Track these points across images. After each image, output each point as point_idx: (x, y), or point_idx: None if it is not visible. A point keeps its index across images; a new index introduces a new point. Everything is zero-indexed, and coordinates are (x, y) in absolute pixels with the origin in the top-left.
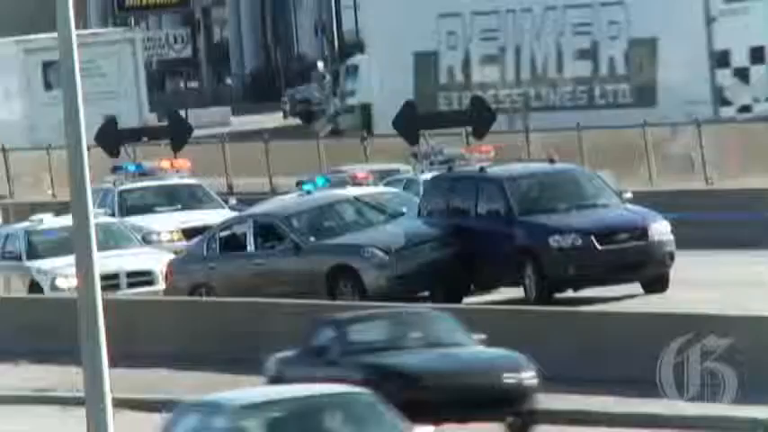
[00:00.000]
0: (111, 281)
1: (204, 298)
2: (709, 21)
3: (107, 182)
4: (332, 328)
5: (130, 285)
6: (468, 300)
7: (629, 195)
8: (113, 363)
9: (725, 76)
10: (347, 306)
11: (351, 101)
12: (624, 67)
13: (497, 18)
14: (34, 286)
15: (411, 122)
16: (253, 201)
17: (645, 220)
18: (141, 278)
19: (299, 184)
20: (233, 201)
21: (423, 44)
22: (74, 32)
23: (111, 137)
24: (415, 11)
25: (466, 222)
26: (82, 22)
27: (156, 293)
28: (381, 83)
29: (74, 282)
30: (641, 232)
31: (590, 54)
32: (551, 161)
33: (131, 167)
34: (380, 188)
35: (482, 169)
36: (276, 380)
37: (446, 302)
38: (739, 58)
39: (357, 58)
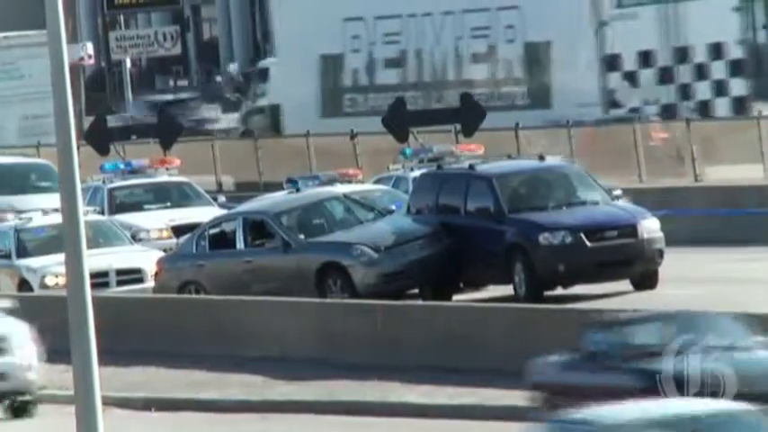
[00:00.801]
0: (100, 279)
1: (194, 295)
2: (600, 25)
3: (96, 179)
4: (609, 331)
5: (120, 283)
6: (457, 297)
7: (618, 193)
8: (103, 361)
9: (615, 80)
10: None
11: (261, 102)
12: (520, 70)
13: (399, 22)
14: (24, 284)
15: (400, 120)
16: (243, 198)
17: (634, 218)
18: (131, 276)
19: (288, 181)
20: (222, 198)
21: (329, 47)
22: (63, 31)
23: (101, 135)
24: (321, 15)
25: (455, 220)
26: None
27: (146, 291)
28: (289, 85)
29: (63, 280)
30: (631, 229)
31: (487, 57)
32: (541, 158)
33: (120, 165)
34: (370, 186)
35: (471, 166)
36: (542, 386)
37: (435, 300)
38: (629, 62)
39: (268, 61)
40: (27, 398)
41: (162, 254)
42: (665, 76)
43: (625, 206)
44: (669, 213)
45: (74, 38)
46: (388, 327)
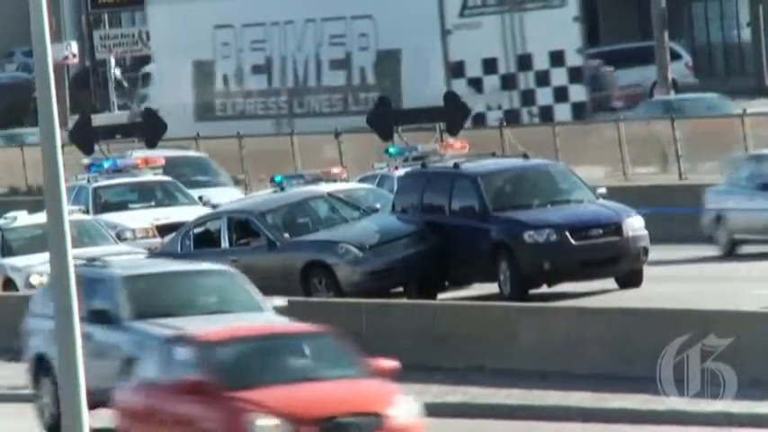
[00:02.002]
0: None
1: None
2: (445, 33)
3: (81, 179)
4: None
5: None
6: (442, 296)
7: (602, 191)
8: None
9: (460, 86)
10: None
11: (144, 106)
12: (373, 77)
13: (264, 30)
14: (8, 283)
15: (385, 118)
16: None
17: (619, 216)
18: None
19: (272, 180)
20: (207, 197)
21: (201, 53)
22: (47, 32)
23: (86, 134)
24: (193, 22)
25: (440, 218)
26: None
27: None
28: (167, 89)
29: (48, 279)
30: (615, 228)
31: (344, 64)
32: (525, 156)
33: (106, 164)
34: (354, 184)
35: (456, 165)
36: None
37: (420, 298)
38: (473, 69)
39: (150, 66)
40: None
41: (147, 253)
42: (509, 83)
43: (610, 204)
44: (653, 211)
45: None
46: (373, 325)
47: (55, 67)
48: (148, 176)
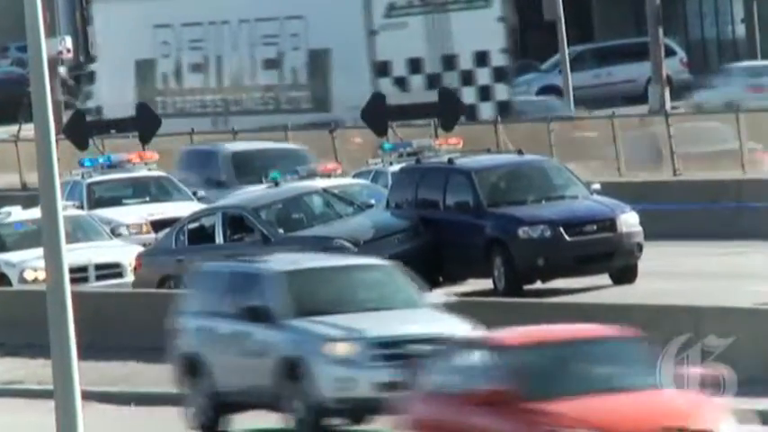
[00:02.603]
0: (79, 273)
1: (173, 290)
2: (371, 33)
3: (75, 174)
4: None
5: (99, 278)
6: (436, 291)
7: (597, 187)
8: (82, 355)
9: (386, 85)
10: None
11: (89, 104)
12: (305, 76)
13: (202, 29)
14: (2, 279)
15: (379, 114)
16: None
17: (613, 212)
18: (110, 270)
19: (266, 175)
20: (201, 192)
21: (142, 52)
22: (41, 27)
23: (80, 129)
24: (135, 22)
25: (434, 214)
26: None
27: (125, 286)
28: (110, 87)
29: (42, 274)
30: (610, 223)
31: (276, 63)
32: (520, 152)
33: (100, 159)
34: (349, 180)
35: (450, 161)
36: None
37: None
38: (399, 68)
39: (94, 64)
40: None
41: (141, 248)
42: (434, 82)
43: (604, 200)
44: (647, 207)
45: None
46: None
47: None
48: (143, 172)
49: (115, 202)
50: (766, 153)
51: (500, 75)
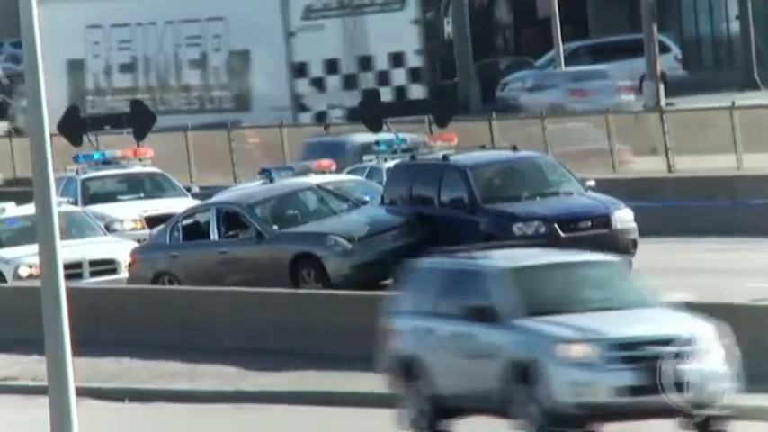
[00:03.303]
0: (74, 269)
1: (167, 286)
2: (289, 35)
3: (70, 170)
4: None
5: (93, 274)
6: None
7: (591, 183)
8: (76, 351)
9: (303, 85)
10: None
11: (24, 103)
12: (226, 76)
13: (130, 30)
14: None
15: (373, 111)
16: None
17: (608, 208)
18: (104, 267)
19: (261, 172)
20: (196, 189)
21: (74, 52)
22: (36, 21)
23: (74, 125)
24: (68, 23)
25: (429, 210)
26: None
27: (120, 282)
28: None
29: (36, 270)
30: (604, 220)
31: (200, 64)
32: (514, 149)
33: (95, 156)
34: (343, 176)
35: (445, 157)
36: None
37: None
38: (316, 69)
39: None
40: (712, 412)
41: (136, 245)
42: (350, 83)
43: (598, 197)
44: (642, 204)
45: None
46: (362, 317)
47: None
48: (137, 168)
49: (110, 198)
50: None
51: (415, 75)
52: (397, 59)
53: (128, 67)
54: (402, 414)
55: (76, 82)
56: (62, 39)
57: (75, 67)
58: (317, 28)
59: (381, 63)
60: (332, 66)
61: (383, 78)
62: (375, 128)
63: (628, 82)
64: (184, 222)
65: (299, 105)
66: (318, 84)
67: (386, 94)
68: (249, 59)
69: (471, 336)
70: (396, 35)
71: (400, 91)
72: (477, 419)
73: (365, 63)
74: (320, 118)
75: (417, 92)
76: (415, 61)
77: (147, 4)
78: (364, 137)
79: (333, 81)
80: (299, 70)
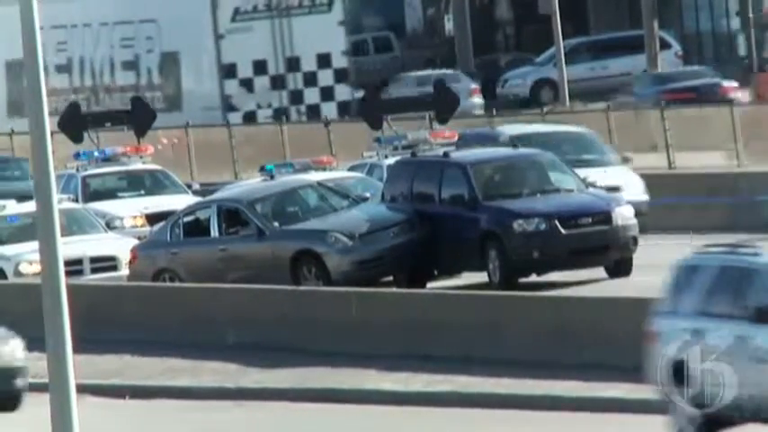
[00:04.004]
0: (74, 266)
1: (168, 283)
2: (218, 37)
3: (70, 167)
4: None
5: (94, 271)
6: (431, 285)
7: (592, 180)
8: (77, 348)
9: (232, 86)
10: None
11: None
12: (158, 77)
13: (66, 31)
14: None
15: (374, 108)
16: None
17: (608, 205)
18: (105, 264)
19: (262, 169)
20: (196, 186)
21: (12, 53)
22: (36, 21)
23: (75, 122)
24: (6, 23)
25: (429, 207)
26: None
27: (120, 279)
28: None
29: (37, 267)
30: (605, 217)
31: (133, 65)
32: (515, 146)
33: (95, 153)
34: (344, 173)
35: (446, 154)
36: None
37: (410, 287)
38: (245, 70)
39: None
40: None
41: (136, 242)
42: (278, 83)
43: (599, 193)
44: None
45: None
46: (363, 314)
47: None
48: (138, 165)
49: (110, 195)
50: None
51: (341, 76)
52: (323, 60)
53: (64, 68)
54: (674, 423)
55: (15, 83)
56: (1, 40)
57: (14, 69)
58: (246, 30)
59: (309, 64)
60: (260, 66)
61: (310, 79)
62: (375, 125)
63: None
64: (185, 219)
65: (229, 105)
66: (247, 84)
67: (313, 95)
68: (179, 60)
69: (755, 339)
70: (322, 37)
71: (326, 91)
72: (753, 428)
73: (293, 64)
74: (249, 118)
75: (343, 92)
76: (340, 62)
77: (82, 6)
78: (515, 128)
79: (261, 81)
80: (229, 71)
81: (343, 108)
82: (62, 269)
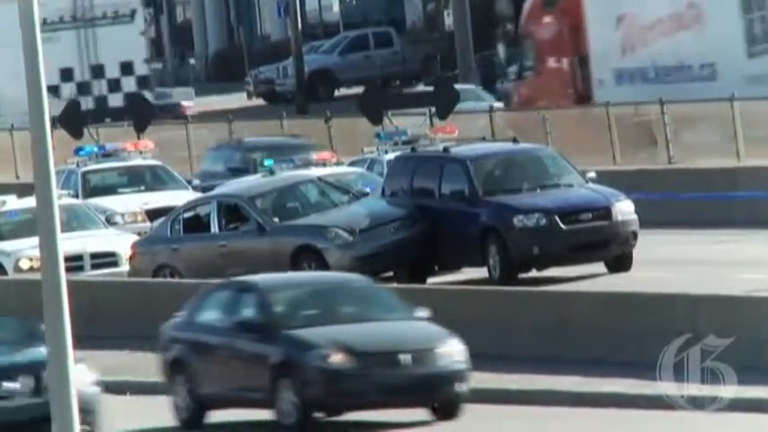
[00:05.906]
0: (74, 262)
1: (168, 279)
2: None
3: (70, 163)
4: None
5: (94, 267)
6: (432, 280)
7: (592, 175)
8: (77, 344)
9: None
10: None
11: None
12: None
13: None
14: None
15: (374, 103)
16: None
17: (608, 200)
18: (105, 259)
19: (261, 164)
20: (196, 181)
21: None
22: (36, 10)
23: (75, 118)
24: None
25: (430, 202)
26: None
27: (120, 275)
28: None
29: (37, 263)
30: (605, 212)
31: None
32: (515, 141)
33: (94, 149)
34: (344, 168)
35: (446, 149)
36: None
37: (410, 283)
38: (52, 78)
39: None
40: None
41: (136, 237)
42: (83, 89)
43: (599, 188)
44: (642, 196)
45: None
46: None
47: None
48: (138, 161)
49: (110, 190)
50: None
51: (144, 82)
52: (126, 68)
53: None
54: None
55: None
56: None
57: None
58: (53, 39)
59: (112, 71)
60: (66, 74)
61: (114, 85)
62: (375, 120)
63: None
64: (185, 215)
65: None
66: (54, 90)
67: (117, 100)
68: None
69: None
70: (126, 45)
71: (130, 97)
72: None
73: (97, 71)
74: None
75: (147, 98)
76: (142, 69)
77: None
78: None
79: (68, 88)
80: None
81: None
82: (62, 265)
